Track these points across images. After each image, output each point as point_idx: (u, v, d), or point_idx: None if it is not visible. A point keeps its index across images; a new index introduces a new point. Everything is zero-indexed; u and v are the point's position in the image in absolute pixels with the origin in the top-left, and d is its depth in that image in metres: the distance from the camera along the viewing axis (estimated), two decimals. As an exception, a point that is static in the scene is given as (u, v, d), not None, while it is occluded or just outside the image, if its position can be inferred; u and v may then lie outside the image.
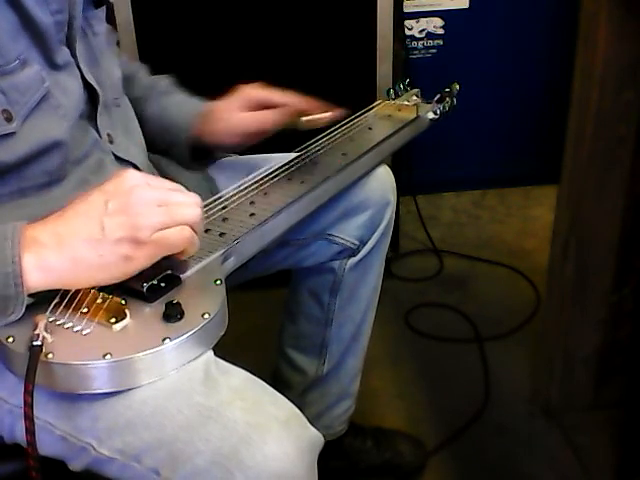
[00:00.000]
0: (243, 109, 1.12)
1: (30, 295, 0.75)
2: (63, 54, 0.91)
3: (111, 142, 0.98)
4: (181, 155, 1.16)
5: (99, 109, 0.97)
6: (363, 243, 1.25)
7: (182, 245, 0.78)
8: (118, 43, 1.22)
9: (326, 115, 1.11)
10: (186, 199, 0.78)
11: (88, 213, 0.74)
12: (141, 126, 1.12)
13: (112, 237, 0.73)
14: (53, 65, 0.90)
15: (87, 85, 0.95)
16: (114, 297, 0.78)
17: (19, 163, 0.85)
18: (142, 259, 0.76)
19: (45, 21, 0.87)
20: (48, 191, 0.88)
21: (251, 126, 1.11)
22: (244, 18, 1.71)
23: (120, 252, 0.74)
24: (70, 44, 0.93)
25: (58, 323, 0.76)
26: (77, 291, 0.78)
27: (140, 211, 0.74)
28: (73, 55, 0.93)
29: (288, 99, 1.11)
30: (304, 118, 1.09)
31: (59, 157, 0.89)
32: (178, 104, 1.17)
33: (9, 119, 0.83)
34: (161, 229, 0.75)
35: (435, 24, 2.23)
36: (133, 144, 1.05)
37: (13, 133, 0.83)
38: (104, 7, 1.02)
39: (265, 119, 1.11)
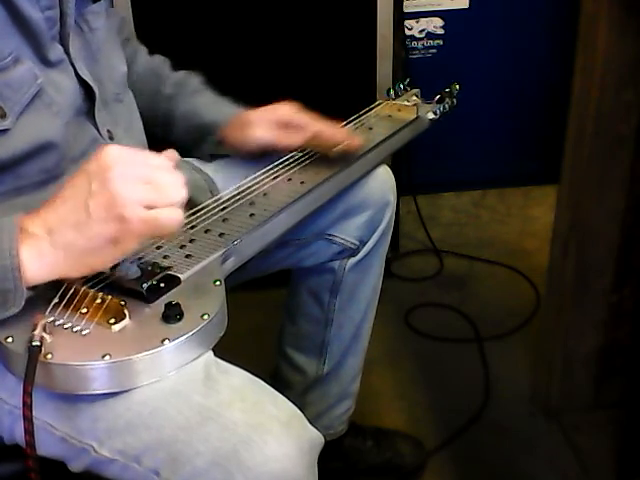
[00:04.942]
0: (270, 126, 1.12)
1: (30, 289, 0.75)
2: (56, 51, 0.91)
3: (111, 138, 0.98)
4: (204, 152, 1.18)
5: (97, 105, 0.97)
6: (363, 243, 1.25)
7: (172, 227, 0.75)
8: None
9: (353, 147, 1.12)
10: (171, 179, 0.76)
11: (73, 198, 0.74)
12: (169, 123, 1.15)
13: (97, 218, 0.72)
14: (46, 62, 0.89)
15: (83, 82, 0.95)
16: (113, 298, 0.78)
17: (15, 161, 0.85)
18: (130, 239, 0.74)
19: (35, 17, 0.87)
20: (45, 189, 0.88)
21: (272, 145, 1.12)
22: (244, 18, 1.71)
23: (107, 233, 0.73)
24: (63, 41, 0.93)
25: (57, 323, 0.76)
26: (76, 291, 0.78)
27: (122, 188, 0.72)
28: (66, 52, 0.93)
29: (314, 126, 1.11)
30: (335, 149, 1.10)
31: (55, 155, 0.89)
32: (210, 104, 1.18)
33: (3, 116, 0.83)
34: (148, 206, 0.73)
35: (435, 24, 2.22)
36: (133, 140, 1.04)
37: (7, 130, 0.84)
38: (102, 2, 1.02)
39: (287, 141, 1.11)
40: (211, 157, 1.18)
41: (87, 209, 0.72)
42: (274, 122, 1.12)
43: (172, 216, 0.74)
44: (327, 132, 1.11)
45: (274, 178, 1.06)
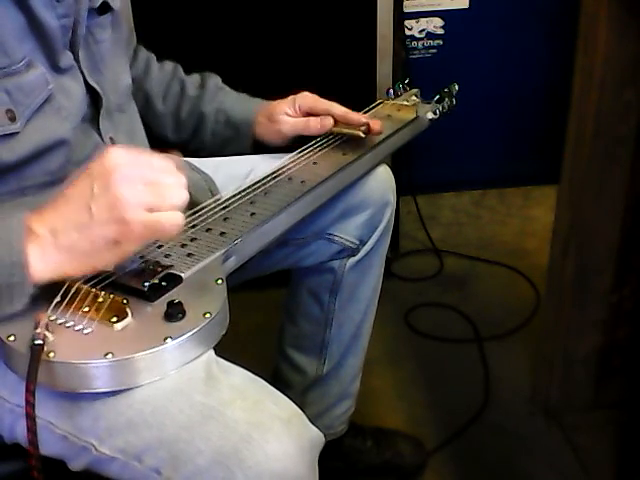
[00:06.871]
0: (294, 114, 1.18)
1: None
2: (67, 58, 0.92)
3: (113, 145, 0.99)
4: (241, 147, 1.21)
5: (102, 113, 0.98)
6: (363, 243, 1.25)
7: (173, 230, 0.77)
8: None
9: (376, 130, 1.17)
10: (173, 181, 0.77)
11: (76, 199, 0.75)
12: (200, 123, 1.19)
13: (99, 220, 0.73)
14: (57, 68, 0.91)
15: (90, 89, 0.96)
16: (115, 296, 0.78)
17: (20, 163, 0.86)
18: (132, 241, 0.75)
19: (52, 24, 0.88)
20: (48, 191, 0.88)
21: (301, 131, 1.17)
22: (244, 18, 1.71)
23: (108, 235, 0.74)
24: (73, 48, 0.94)
25: (59, 322, 0.76)
26: (78, 290, 0.79)
27: (124, 190, 0.73)
28: (76, 59, 0.94)
29: (338, 110, 1.17)
30: (362, 128, 1.16)
31: (61, 157, 0.89)
32: (235, 101, 1.22)
33: (13, 119, 0.84)
34: (149, 209, 0.74)
35: (435, 24, 2.23)
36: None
37: (16, 133, 0.84)
38: (108, 14, 1.03)
39: (314, 126, 1.16)
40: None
41: (89, 211, 0.73)
42: (297, 111, 1.18)
43: (173, 219, 0.76)
44: (351, 114, 1.16)
45: (275, 177, 1.06)
